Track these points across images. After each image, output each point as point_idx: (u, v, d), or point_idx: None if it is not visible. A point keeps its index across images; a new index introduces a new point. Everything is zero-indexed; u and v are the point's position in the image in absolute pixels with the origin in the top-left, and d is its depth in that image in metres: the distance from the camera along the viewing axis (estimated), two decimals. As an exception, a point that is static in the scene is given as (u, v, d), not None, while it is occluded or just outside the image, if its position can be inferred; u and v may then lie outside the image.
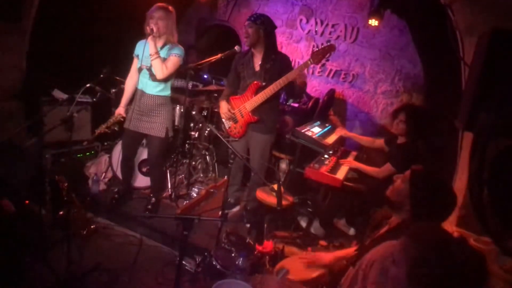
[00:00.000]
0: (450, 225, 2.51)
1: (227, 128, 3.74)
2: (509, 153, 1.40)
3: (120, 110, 3.56)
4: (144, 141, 3.89)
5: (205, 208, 2.27)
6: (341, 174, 3.55)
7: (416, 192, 1.82)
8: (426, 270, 1.36)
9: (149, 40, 3.19)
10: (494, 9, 2.22)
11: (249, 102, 3.52)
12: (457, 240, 1.56)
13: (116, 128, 3.57)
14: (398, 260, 1.48)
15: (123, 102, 3.57)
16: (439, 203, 1.76)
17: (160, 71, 3.28)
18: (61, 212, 3.20)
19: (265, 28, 3.43)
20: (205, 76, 5.36)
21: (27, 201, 3.11)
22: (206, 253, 2.20)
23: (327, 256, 2.39)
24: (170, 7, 3.33)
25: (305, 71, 5.21)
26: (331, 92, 4.96)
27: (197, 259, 2.23)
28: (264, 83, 3.47)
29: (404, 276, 1.40)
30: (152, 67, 3.32)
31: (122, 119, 3.56)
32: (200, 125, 4.47)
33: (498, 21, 2.12)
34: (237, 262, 2.01)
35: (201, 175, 4.52)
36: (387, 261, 1.55)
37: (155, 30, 3.19)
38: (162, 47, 3.36)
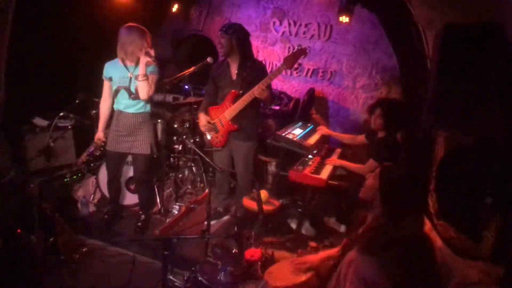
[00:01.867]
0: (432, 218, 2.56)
1: (209, 138, 3.77)
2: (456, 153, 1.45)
3: (99, 135, 3.57)
4: (129, 159, 3.90)
5: (188, 224, 2.30)
6: (325, 173, 3.59)
7: (385, 187, 1.86)
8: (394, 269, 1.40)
9: (141, 61, 3.21)
10: (451, 4, 2.27)
11: (228, 111, 3.55)
12: (413, 236, 1.61)
13: (97, 154, 3.59)
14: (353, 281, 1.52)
15: (101, 127, 3.58)
16: (408, 197, 1.78)
17: (146, 92, 3.31)
18: (51, 239, 3.21)
19: (238, 37, 3.46)
20: (186, 87, 5.38)
21: (19, 230, 3.12)
22: (192, 268, 2.23)
23: (313, 258, 2.42)
24: (137, 26, 3.33)
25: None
26: (311, 91, 5.01)
27: (185, 275, 2.26)
28: (241, 91, 3.50)
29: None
30: (136, 87, 3.34)
31: (103, 143, 3.59)
32: (184, 137, 4.49)
33: (455, 16, 2.17)
34: (218, 277, 2.04)
35: (189, 187, 4.54)
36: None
37: (152, 53, 3.21)
38: (136, 66, 3.38)
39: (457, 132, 1.57)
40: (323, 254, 2.41)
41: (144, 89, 3.30)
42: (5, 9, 3.62)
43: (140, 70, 3.25)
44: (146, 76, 3.28)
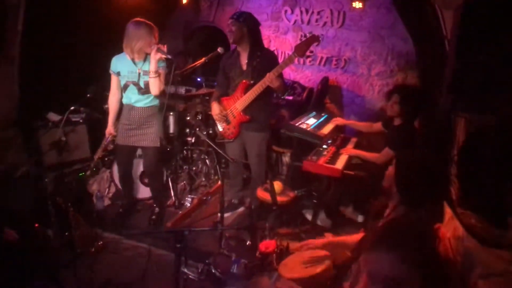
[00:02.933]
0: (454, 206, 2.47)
1: (221, 130, 3.73)
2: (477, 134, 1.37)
3: (110, 130, 3.58)
4: (140, 152, 3.89)
5: (201, 216, 2.27)
6: (340, 163, 3.51)
7: (401, 173, 1.78)
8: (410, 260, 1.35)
9: (152, 58, 3.19)
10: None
11: (240, 102, 3.50)
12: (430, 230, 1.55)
13: (111, 147, 3.60)
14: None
15: (111, 121, 3.58)
16: (424, 189, 1.71)
17: (158, 88, 3.31)
18: (67, 233, 3.24)
19: (248, 25, 3.40)
20: (199, 79, 5.35)
21: (36, 224, 3.15)
22: (206, 261, 2.20)
23: (317, 241, 2.36)
24: (144, 21, 3.29)
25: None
26: (325, 80, 4.91)
27: (199, 267, 2.24)
28: (252, 81, 3.44)
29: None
30: (145, 82, 3.34)
31: (114, 138, 3.60)
32: (197, 129, 4.47)
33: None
34: (231, 269, 2.01)
35: (204, 179, 4.52)
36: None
37: (164, 49, 3.17)
38: (144, 61, 3.36)
39: (478, 112, 1.49)
40: (339, 239, 2.35)
41: (155, 85, 3.29)
42: (17, 5, 3.65)
43: (152, 67, 3.22)
44: (158, 73, 3.26)
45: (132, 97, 3.43)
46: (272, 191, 2.37)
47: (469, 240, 1.74)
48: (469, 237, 1.75)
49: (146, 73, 3.34)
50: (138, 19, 3.27)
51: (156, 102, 3.52)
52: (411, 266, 1.42)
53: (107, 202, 4.06)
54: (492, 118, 1.49)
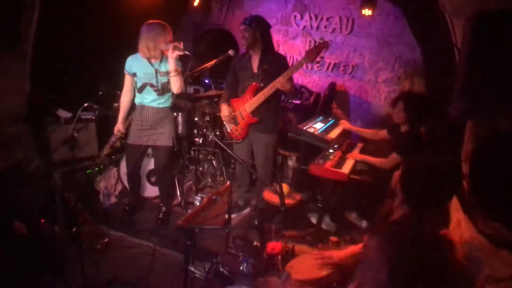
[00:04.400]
0: (457, 212, 2.49)
1: (229, 131, 3.77)
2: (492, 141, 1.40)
3: (119, 127, 3.59)
4: (149, 151, 3.93)
5: (210, 215, 2.30)
6: (346, 168, 3.53)
7: (406, 177, 1.80)
8: (404, 268, 1.37)
9: (170, 57, 3.21)
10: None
11: (249, 104, 3.54)
12: (432, 234, 1.56)
13: (118, 145, 3.62)
14: (377, 263, 1.49)
15: (121, 119, 3.59)
16: (428, 190, 1.72)
17: (179, 87, 3.33)
18: (74, 229, 3.27)
19: (261, 29, 3.45)
20: (207, 81, 5.39)
21: (42, 220, 3.18)
22: (214, 260, 2.22)
23: (336, 254, 2.38)
24: (158, 21, 3.32)
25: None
26: (332, 86, 4.95)
27: (206, 266, 2.26)
28: (262, 84, 3.48)
29: (385, 276, 1.41)
30: (162, 83, 3.39)
31: (123, 135, 3.63)
32: (204, 130, 4.50)
33: (484, 2, 2.09)
34: (241, 268, 2.03)
35: (209, 180, 4.55)
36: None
37: (181, 46, 3.19)
38: (160, 62, 3.40)
39: (490, 116, 1.51)
40: (347, 250, 2.36)
41: (177, 83, 3.32)
42: (32, 4, 3.70)
43: (172, 65, 3.24)
44: (178, 71, 3.28)
45: (148, 98, 3.46)
46: (280, 193, 2.39)
47: (476, 245, 1.76)
48: (475, 241, 1.77)
49: (163, 74, 3.38)
50: (151, 21, 3.30)
51: (169, 102, 3.56)
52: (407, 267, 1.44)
53: (113, 199, 4.09)
54: (504, 122, 1.51)
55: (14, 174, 3.64)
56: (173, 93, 3.50)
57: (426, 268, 1.38)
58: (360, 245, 2.32)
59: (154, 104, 3.48)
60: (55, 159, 3.98)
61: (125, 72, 3.46)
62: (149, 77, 3.38)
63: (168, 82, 3.40)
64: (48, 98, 4.12)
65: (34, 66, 4.01)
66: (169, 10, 4.70)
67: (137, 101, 3.52)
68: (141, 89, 3.44)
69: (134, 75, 3.42)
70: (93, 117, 4.20)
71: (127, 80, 3.50)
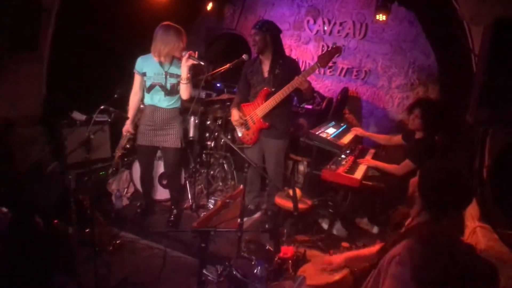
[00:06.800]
0: (472, 220, 2.46)
1: (240, 135, 3.78)
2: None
3: (128, 127, 3.61)
4: (159, 154, 3.95)
5: (223, 218, 2.31)
6: (359, 173, 3.52)
7: (425, 182, 1.78)
8: (429, 275, 1.35)
9: (184, 65, 3.25)
10: (499, -3, 2.17)
11: (260, 109, 3.54)
12: (464, 247, 1.54)
13: (128, 146, 3.66)
14: (403, 261, 1.48)
15: (129, 119, 3.61)
16: (448, 195, 1.70)
17: (188, 94, 3.40)
18: (87, 230, 3.29)
19: (272, 34, 3.46)
20: (218, 85, 5.42)
21: (55, 221, 3.22)
22: (227, 263, 2.23)
23: (338, 258, 2.37)
24: (174, 26, 3.35)
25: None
26: (345, 91, 4.93)
27: (218, 269, 2.26)
28: (273, 89, 3.48)
29: (409, 277, 1.40)
30: (172, 85, 3.42)
31: (132, 136, 3.66)
32: (216, 134, 4.52)
33: (504, 9, 2.07)
34: (255, 271, 2.03)
35: (220, 184, 4.56)
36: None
37: (195, 55, 3.23)
38: (171, 63, 3.42)
39: (507, 125, 1.50)
40: (351, 253, 2.35)
41: (186, 91, 3.38)
42: (49, 9, 3.76)
43: (184, 74, 3.29)
44: (189, 79, 3.32)
45: (157, 98, 3.48)
46: (294, 198, 2.39)
47: (492, 253, 1.74)
48: (492, 250, 1.75)
49: (173, 75, 3.40)
50: (167, 23, 3.33)
51: (178, 104, 3.58)
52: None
53: (125, 202, 4.12)
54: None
55: (31, 175, 3.69)
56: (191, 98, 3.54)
57: (454, 274, 1.36)
58: (370, 249, 2.30)
59: (163, 105, 3.49)
60: (70, 161, 4.02)
61: (135, 71, 3.49)
62: (159, 78, 3.41)
63: (178, 84, 3.42)
64: (64, 101, 4.17)
65: (50, 69, 4.08)
66: (182, 14, 4.74)
67: (146, 101, 3.55)
68: (150, 89, 3.47)
69: (144, 74, 3.45)
70: (108, 120, 4.23)
71: (137, 80, 3.53)
